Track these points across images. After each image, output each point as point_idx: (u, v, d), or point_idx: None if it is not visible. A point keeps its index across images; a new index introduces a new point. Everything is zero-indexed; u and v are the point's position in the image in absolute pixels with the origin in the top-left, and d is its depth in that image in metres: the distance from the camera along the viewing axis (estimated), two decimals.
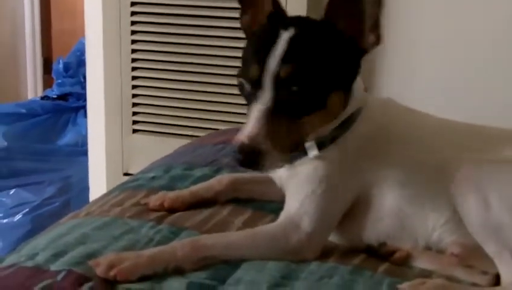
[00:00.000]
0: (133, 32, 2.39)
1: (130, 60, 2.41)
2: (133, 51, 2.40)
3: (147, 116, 2.46)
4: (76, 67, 3.53)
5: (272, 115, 1.04)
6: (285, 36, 1.07)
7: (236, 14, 1.24)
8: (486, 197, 1.09)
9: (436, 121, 1.31)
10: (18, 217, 2.88)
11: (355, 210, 1.21)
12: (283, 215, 1.19)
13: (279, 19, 1.15)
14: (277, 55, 1.05)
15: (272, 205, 1.35)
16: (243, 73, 1.10)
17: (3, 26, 4.36)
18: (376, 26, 1.10)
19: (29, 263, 1.10)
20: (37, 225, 2.85)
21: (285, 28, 1.09)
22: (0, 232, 2.84)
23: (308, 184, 1.18)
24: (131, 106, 2.47)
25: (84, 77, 2.88)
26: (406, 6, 2.34)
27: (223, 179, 1.42)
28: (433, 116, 1.32)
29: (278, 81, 1.05)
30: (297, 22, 1.14)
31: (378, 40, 1.11)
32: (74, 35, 3.99)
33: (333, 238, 1.24)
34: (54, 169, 3.09)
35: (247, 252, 1.14)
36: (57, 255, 1.11)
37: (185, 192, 1.39)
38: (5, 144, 3.04)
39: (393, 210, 1.19)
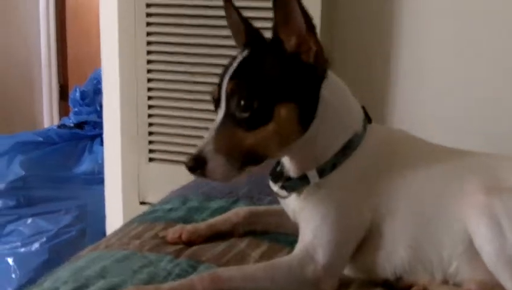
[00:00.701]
0: (149, 62, 2.41)
1: (146, 89, 2.43)
2: (149, 80, 2.43)
3: (163, 145, 2.47)
4: (93, 96, 3.56)
5: (224, 128, 1.13)
6: (239, 57, 1.18)
7: None
8: (501, 227, 1.09)
9: (446, 151, 1.31)
10: (35, 246, 2.90)
11: (368, 242, 1.21)
12: (298, 248, 1.20)
13: (250, 41, 1.23)
14: (228, 75, 1.15)
15: (288, 237, 1.36)
16: (211, 92, 1.20)
17: (19, 54, 4.41)
18: (311, 40, 1.14)
19: None
20: (53, 253, 2.88)
21: (243, 50, 1.19)
22: (18, 261, 2.86)
23: (319, 215, 1.19)
24: (147, 134, 2.48)
25: (101, 106, 2.92)
26: (417, 35, 2.35)
27: (239, 212, 1.44)
28: (442, 145, 1.32)
29: (228, 97, 1.13)
30: (254, 43, 1.22)
31: (318, 54, 1.15)
32: (89, 60, 4.03)
33: (349, 271, 1.24)
34: (70, 197, 3.11)
35: (264, 285, 1.15)
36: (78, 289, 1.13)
37: (202, 225, 1.41)
38: (23, 172, 3.05)
39: (407, 242, 1.19)
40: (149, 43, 2.39)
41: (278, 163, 1.28)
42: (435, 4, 2.32)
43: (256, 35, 1.24)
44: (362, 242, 1.22)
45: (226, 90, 1.14)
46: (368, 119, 1.27)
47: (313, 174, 1.20)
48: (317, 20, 2.08)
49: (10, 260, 2.87)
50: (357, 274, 1.24)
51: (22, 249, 2.90)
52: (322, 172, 1.20)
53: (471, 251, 1.13)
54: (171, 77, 2.40)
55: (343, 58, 2.42)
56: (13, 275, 2.84)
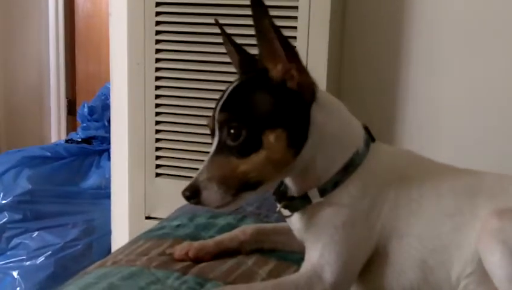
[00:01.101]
0: (157, 78, 2.42)
1: (154, 105, 2.45)
2: (157, 96, 2.44)
3: (170, 160, 2.48)
4: (101, 111, 3.57)
5: (218, 157, 1.15)
6: (229, 88, 1.20)
7: None
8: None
9: (454, 170, 1.31)
10: (41, 259, 2.90)
11: (376, 262, 1.21)
12: (305, 267, 1.19)
13: (245, 70, 1.27)
14: (219, 105, 1.19)
15: (296, 255, 1.36)
16: (207, 123, 1.23)
17: (28, 69, 4.44)
18: (293, 68, 1.15)
19: None
20: (59, 267, 2.88)
21: (235, 81, 1.22)
22: (23, 274, 2.86)
23: (325, 234, 1.19)
24: (154, 150, 2.49)
25: (109, 121, 2.92)
26: (427, 54, 2.37)
27: (246, 229, 1.44)
28: (450, 165, 1.32)
29: (219, 127, 1.17)
30: (246, 71, 1.25)
31: (302, 81, 1.16)
32: (98, 79, 4.06)
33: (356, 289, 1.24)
34: (77, 212, 3.11)
35: None
36: None
37: (209, 242, 1.41)
38: (30, 186, 3.06)
39: (416, 262, 1.18)
40: (158, 60, 2.40)
41: (282, 182, 1.28)
42: (445, 21, 2.34)
43: (249, 64, 1.25)
44: (370, 262, 1.21)
45: (217, 121, 1.17)
46: (371, 138, 1.27)
47: (314, 194, 1.20)
48: (324, 42, 2.14)
49: (15, 273, 2.88)
50: None
51: (28, 263, 2.91)
52: (324, 191, 1.20)
53: (480, 272, 1.13)
54: (178, 93, 2.42)
55: (352, 78, 2.44)
56: (18, 289, 2.84)
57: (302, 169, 1.20)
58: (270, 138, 1.13)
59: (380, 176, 1.23)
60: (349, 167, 1.20)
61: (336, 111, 1.25)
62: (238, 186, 1.14)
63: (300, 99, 1.17)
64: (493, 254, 1.09)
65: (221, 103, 1.19)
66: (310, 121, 1.18)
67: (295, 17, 2.18)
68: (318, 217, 1.20)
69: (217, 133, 1.17)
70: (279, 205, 1.27)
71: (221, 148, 1.16)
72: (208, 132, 1.22)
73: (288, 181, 1.26)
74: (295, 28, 2.18)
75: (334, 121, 1.22)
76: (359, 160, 1.21)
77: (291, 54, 1.15)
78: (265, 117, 1.15)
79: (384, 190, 1.21)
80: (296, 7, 2.17)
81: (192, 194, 1.13)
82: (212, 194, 1.13)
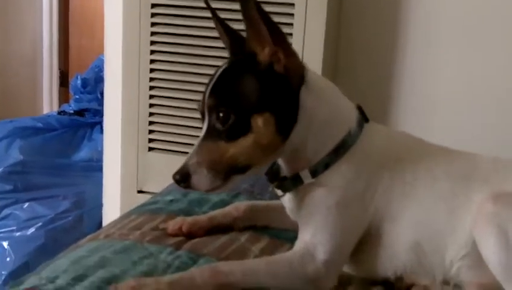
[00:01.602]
0: (152, 52, 2.40)
1: (148, 79, 2.43)
2: (152, 70, 2.42)
3: (163, 135, 2.47)
4: (94, 84, 3.54)
5: (207, 140, 1.16)
6: (219, 71, 1.20)
7: None
8: (508, 238, 1.08)
9: (449, 152, 1.31)
10: (31, 230, 2.89)
11: (369, 243, 1.22)
12: (297, 245, 1.20)
13: (235, 52, 1.25)
14: (208, 89, 1.18)
15: (289, 233, 1.36)
16: (197, 108, 1.23)
17: (22, 41, 4.40)
18: (279, 51, 1.15)
19: (50, 287, 1.11)
20: (49, 239, 2.87)
21: (222, 66, 1.21)
22: (13, 245, 2.85)
23: (318, 213, 1.19)
24: (147, 124, 2.48)
25: (102, 94, 2.91)
26: (424, 39, 2.36)
27: (240, 206, 1.45)
28: (445, 147, 1.32)
29: (208, 111, 1.17)
30: (235, 55, 1.24)
31: (289, 64, 1.16)
32: (92, 52, 4.02)
33: (349, 270, 1.25)
34: (68, 184, 3.10)
35: (265, 280, 1.15)
36: (76, 279, 1.13)
37: (202, 217, 1.42)
38: (21, 157, 3.04)
39: (409, 245, 1.19)
40: (153, 33, 2.38)
41: (274, 162, 1.28)
42: (444, 2, 2.33)
43: (239, 45, 1.24)
44: (363, 243, 1.22)
45: (206, 105, 1.17)
46: (364, 118, 1.27)
47: (305, 174, 1.21)
48: (322, 24, 2.13)
49: (5, 244, 2.86)
50: (357, 273, 1.25)
51: (18, 233, 2.90)
52: (315, 172, 1.20)
53: (474, 255, 1.14)
54: (173, 67, 2.40)
55: (349, 60, 2.44)
56: (8, 259, 2.84)
57: (292, 151, 1.21)
58: (258, 122, 1.14)
59: (373, 157, 1.23)
60: (341, 148, 1.20)
61: (327, 94, 1.24)
62: (227, 170, 1.15)
63: (288, 83, 1.17)
64: (488, 238, 1.10)
65: (210, 87, 1.19)
66: (299, 105, 1.18)
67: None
68: (311, 198, 1.21)
69: (206, 117, 1.17)
70: (271, 185, 1.28)
71: (210, 132, 1.16)
72: None
73: (281, 162, 1.26)
74: (292, 5, 2.17)
75: (324, 104, 1.22)
76: (351, 141, 1.21)
77: (278, 37, 1.14)
78: (253, 101, 1.15)
79: (378, 171, 1.21)
80: None
81: (182, 178, 1.14)
82: (201, 178, 1.14)
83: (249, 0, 1.10)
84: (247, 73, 1.17)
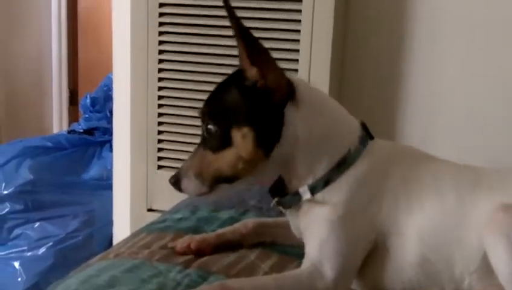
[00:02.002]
0: (160, 70, 2.42)
1: (157, 97, 2.44)
2: (160, 88, 2.43)
3: (172, 153, 2.48)
4: (104, 102, 3.56)
5: (200, 149, 1.22)
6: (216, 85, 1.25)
7: None
8: None
9: (455, 165, 1.30)
10: (42, 250, 2.91)
11: (376, 258, 1.21)
12: (305, 263, 1.20)
13: None
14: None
15: (298, 249, 1.35)
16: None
17: (30, 59, 4.43)
18: (258, 72, 1.16)
19: None
20: (60, 258, 2.88)
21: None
22: (24, 265, 2.87)
23: (323, 230, 1.19)
24: (156, 141, 2.49)
25: (111, 112, 2.92)
26: (427, 50, 2.37)
27: (248, 223, 1.45)
28: (451, 161, 1.31)
29: (201, 121, 1.23)
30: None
31: (269, 84, 1.17)
32: (100, 69, 4.04)
33: (356, 285, 1.24)
34: (78, 202, 3.11)
35: None
36: None
37: (211, 235, 1.42)
38: (31, 177, 3.05)
39: (417, 260, 1.18)
40: (160, 52, 2.40)
41: (279, 178, 1.29)
42: (447, 18, 2.34)
43: None
44: (370, 258, 1.21)
45: (200, 115, 1.23)
46: (369, 135, 1.27)
47: (304, 191, 1.21)
48: (328, 43, 2.14)
49: (16, 264, 2.88)
50: (365, 288, 1.24)
51: (29, 253, 2.91)
52: (314, 189, 1.20)
53: (484, 268, 1.12)
54: (181, 85, 2.41)
55: (356, 75, 2.44)
56: (19, 279, 2.85)
57: (283, 167, 1.23)
58: (237, 135, 1.17)
59: (377, 173, 1.22)
60: (341, 165, 1.20)
61: (322, 111, 1.24)
62: (212, 179, 1.20)
63: (270, 100, 1.18)
64: (497, 247, 1.09)
65: (207, 97, 1.24)
66: (283, 121, 1.19)
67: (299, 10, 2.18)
68: (314, 215, 1.21)
69: (202, 127, 1.22)
70: (273, 201, 1.29)
71: (203, 141, 1.22)
72: None
73: (284, 178, 1.27)
74: (299, 21, 2.18)
75: (318, 121, 1.22)
76: (352, 158, 1.21)
77: (257, 55, 1.16)
78: (233, 115, 1.18)
79: (383, 186, 1.21)
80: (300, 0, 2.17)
81: (175, 181, 1.23)
82: (190, 183, 1.21)
83: (230, 17, 1.13)
84: (232, 87, 1.20)
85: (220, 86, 1.24)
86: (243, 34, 1.14)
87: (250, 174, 1.23)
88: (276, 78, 1.18)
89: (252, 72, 1.17)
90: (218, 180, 1.21)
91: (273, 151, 1.19)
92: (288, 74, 1.22)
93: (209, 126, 1.19)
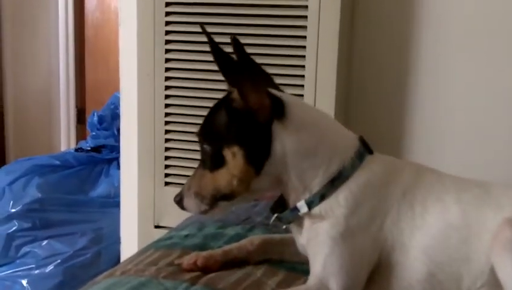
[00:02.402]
0: (167, 88, 2.43)
1: (164, 114, 2.45)
2: (167, 105, 2.44)
3: (180, 169, 2.48)
4: (111, 120, 3.58)
5: (200, 169, 1.26)
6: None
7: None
8: None
9: (460, 180, 1.30)
10: (50, 268, 2.90)
11: (382, 275, 1.21)
12: (310, 280, 1.20)
13: None
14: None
15: (305, 266, 1.34)
16: None
17: (38, 79, 4.46)
18: (235, 88, 1.20)
19: None
20: (68, 276, 2.88)
21: None
22: (32, 283, 2.86)
23: (324, 246, 1.20)
24: (163, 158, 2.49)
25: (118, 130, 2.93)
26: (433, 66, 2.36)
27: (254, 240, 1.45)
28: (456, 176, 1.31)
29: (198, 141, 1.28)
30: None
31: (249, 106, 1.19)
32: (107, 88, 4.06)
33: None
34: (86, 220, 3.12)
35: None
36: None
37: (217, 251, 1.42)
38: (39, 195, 3.06)
39: (423, 276, 1.18)
40: (167, 69, 2.41)
41: (281, 196, 1.31)
42: (455, 29, 2.34)
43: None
44: (375, 274, 1.21)
45: (197, 137, 1.28)
46: (367, 150, 1.27)
47: (301, 205, 1.23)
48: (333, 59, 2.15)
49: (24, 282, 2.88)
50: None
51: (37, 271, 2.91)
52: (311, 203, 1.22)
53: (492, 283, 1.12)
54: (188, 102, 2.42)
55: (362, 91, 2.44)
56: None
57: (277, 183, 1.25)
58: (229, 154, 1.20)
59: (376, 188, 1.22)
60: (336, 180, 1.21)
61: (311, 126, 1.25)
62: (211, 197, 1.24)
63: (254, 119, 1.20)
64: (505, 263, 1.09)
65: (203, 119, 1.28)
66: (271, 138, 1.20)
67: (304, 26, 2.18)
68: (315, 231, 1.22)
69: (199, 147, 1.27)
70: (272, 217, 1.30)
71: (202, 161, 1.26)
72: None
73: (283, 194, 1.29)
74: (304, 37, 2.19)
75: (306, 137, 1.23)
76: (348, 172, 1.22)
77: (233, 78, 1.21)
78: (223, 135, 1.21)
79: (385, 202, 1.21)
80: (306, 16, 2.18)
81: (178, 200, 1.28)
82: (190, 201, 1.26)
83: (208, 41, 1.18)
84: (221, 108, 1.24)
85: (213, 109, 1.27)
86: (217, 57, 1.19)
87: (246, 191, 1.25)
88: (258, 99, 1.19)
89: (234, 94, 1.20)
90: (217, 198, 1.24)
91: (264, 168, 1.22)
92: (275, 92, 1.25)
93: (205, 146, 1.24)
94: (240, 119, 1.20)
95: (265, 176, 1.22)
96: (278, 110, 1.21)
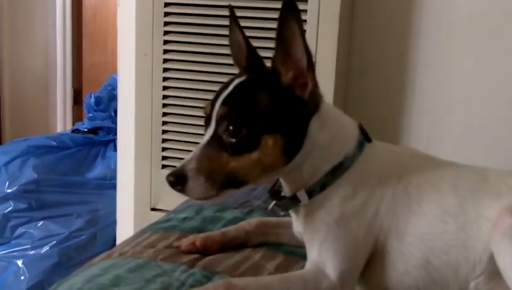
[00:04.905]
0: (165, 70, 2.42)
1: (161, 97, 2.44)
2: (164, 88, 2.43)
3: (177, 152, 2.47)
4: (108, 102, 3.56)
5: (210, 148, 1.14)
6: (235, 82, 1.18)
7: None
8: None
9: (457, 166, 1.29)
10: (45, 249, 2.90)
11: (378, 262, 1.21)
12: (308, 265, 1.20)
13: (251, 66, 1.25)
14: (221, 98, 1.16)
15: (303, 250, 1.34)
16: (204, 108, 1.21)
17: (35, 59, 4.44)
18: (309, 77, 1.15)
19: None
20: (63, 257, 2.88)
21: (240, 76, 1.21)
22: (28, 263, 2.86)
23: (320, 232, 1.19)
24: (160, 141, 2.49)
25: (115, 112, 2.92)
26: (433, 56, 2.36)
27: (251, 221, 1.46)
28: (454, 162, 1.30)
29: (218, 120, 1.15)
30: (251, 70, 1.23)
31: (313, 91, 1.16)
32: (104, 70, 4.05)
33: (362, 289, 1.24)
34: (82, 202, 3.11)
35: None
36: None
37: (216, 232, 1.43)
38: (35, 176, 3.05)
39: (419, 262, 1.17)
40: (165, 51, 2.40)
41: (277, 181, 1.30)
42: (456, 21, 2.33)
43: (257, 62, 1.25)
44: (372, 261, 1.21)
45: (217, 113, 1.15)
46: (366, 138, 1.26)
47: (302, 195, 1.21)
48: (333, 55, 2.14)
49: (20, 262, 2.87)
50: None
51: (32, 252, 2.91)
52: (311, 193, 1.21)
53: (490, 271, 1.12)
54: (186, 84, 2.41)
55: (361, 73, 2.44)
56: (22, 277, 2.84)
57: (288, 172, 1.21)
58: (268, 141, 1.13)
59: (373, 175, 1.22)
60: (337, 170, 1.21)
61: (332, 124, 1.24)
62: (224, 182, 1.14)
63: (304, 108, 1.17)
64: (505, 251, 1.08)
65: (224, 95, 1.17)
66: (306, 132, 1.18)
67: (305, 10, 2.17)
68: (312, 217, 1.21)
69: (213, 124, 1.16)
70: (271, 204, 1.29)
71: (215, 141, 1.15)
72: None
73: (281, 181, 1.27)
74: (304, 21, 2.17)
75: (327, 134, 1.22)
76: (348, 162, 1.21)
77: (312, 63, 1.14)
78: (268, 120, 1.14)
79: (380, 189, 1.21)
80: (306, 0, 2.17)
81: (178, 181, 1.12)
82: (197, 185, 1.12)
83: (293, 20, 1.09)
84: (266, 90, 1.16)
85: (245, 87, 1.18)
86: (305, 40, 1.12)
87: (261, 179, 1.20)
88: (317, 89, 1.18)
89: (292, 77, 1.15)
90: (227, 184, 1.15)
91: (293, 160, 1.18)
92: None
93: (232, 127, 1.13)
94: (288, 105, 1.16)
95: (288, 167, 1.19)
96: (318, 104, 1.20)
